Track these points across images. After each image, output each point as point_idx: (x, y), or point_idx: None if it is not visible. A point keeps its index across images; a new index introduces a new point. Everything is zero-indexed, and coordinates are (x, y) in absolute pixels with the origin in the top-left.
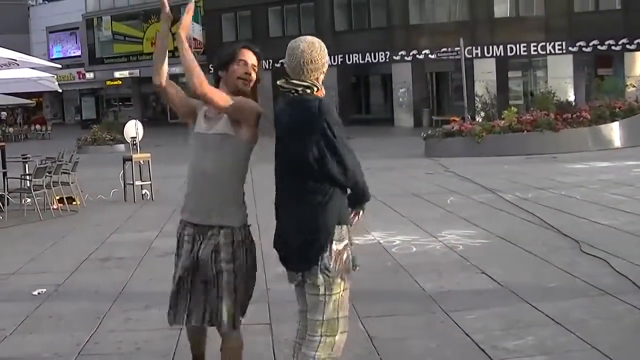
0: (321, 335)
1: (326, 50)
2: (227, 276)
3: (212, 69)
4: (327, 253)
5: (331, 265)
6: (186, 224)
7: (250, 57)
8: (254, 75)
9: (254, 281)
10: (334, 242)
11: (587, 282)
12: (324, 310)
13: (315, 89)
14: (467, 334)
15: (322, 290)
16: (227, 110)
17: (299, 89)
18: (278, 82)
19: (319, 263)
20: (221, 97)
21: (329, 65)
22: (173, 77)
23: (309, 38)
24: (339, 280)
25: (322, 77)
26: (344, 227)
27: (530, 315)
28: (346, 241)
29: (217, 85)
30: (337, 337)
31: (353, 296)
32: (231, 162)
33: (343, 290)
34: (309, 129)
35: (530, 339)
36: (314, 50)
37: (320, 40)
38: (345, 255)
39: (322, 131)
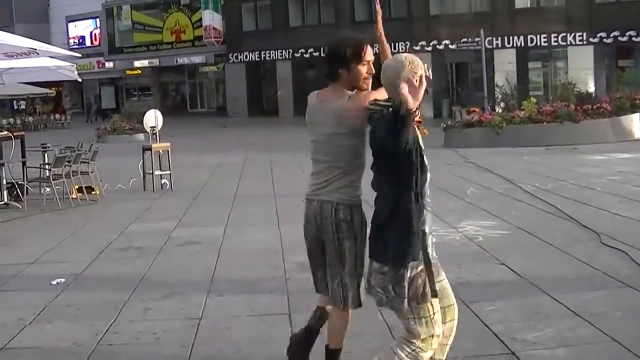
0: (417, 347)
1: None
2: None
3: (329, 56)
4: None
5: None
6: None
7: (371, 54)
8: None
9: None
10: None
11: (607, 274)
12: (417, 329)
13: None
14: (486, 325)
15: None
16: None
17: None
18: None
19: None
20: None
21: None
22: (193, 66)
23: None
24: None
25: None
26: None
27: (550, 307)
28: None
29: (334, 79)
30: (428, 353)
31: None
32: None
33: (433, 311)
34: None
35: (549, 330)
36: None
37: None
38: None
39: None
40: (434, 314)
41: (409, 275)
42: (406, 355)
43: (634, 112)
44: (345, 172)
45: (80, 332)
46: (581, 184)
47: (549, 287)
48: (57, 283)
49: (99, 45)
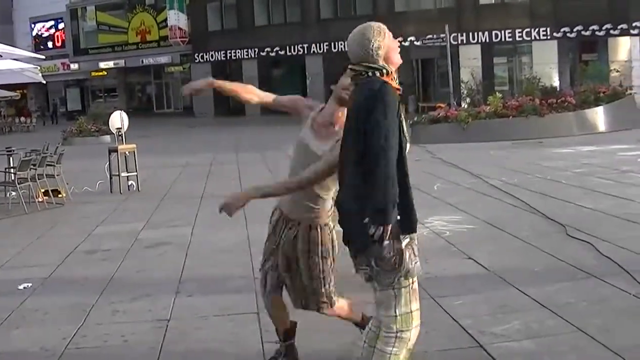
0: (397, 331)
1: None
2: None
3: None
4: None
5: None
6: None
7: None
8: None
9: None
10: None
11: (573, 266)
12: (395, 305)
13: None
14: (454, 320)
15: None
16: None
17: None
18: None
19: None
20: (325, 172)
21: (314, 54)
22: (159, 66)
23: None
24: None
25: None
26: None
27: (517, 300)
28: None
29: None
30: (412, 332)
31: (340, 281)
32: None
33: (412, 283)
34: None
35: (516, 323)
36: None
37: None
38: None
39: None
40: (412, 283)
41: (393, 247)
42: (393, 346)
43: (598, 105)
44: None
45: (48, 336)
46: (547, 177)
47: (516, 280)
48: (24, 288)
49: (63, 46)
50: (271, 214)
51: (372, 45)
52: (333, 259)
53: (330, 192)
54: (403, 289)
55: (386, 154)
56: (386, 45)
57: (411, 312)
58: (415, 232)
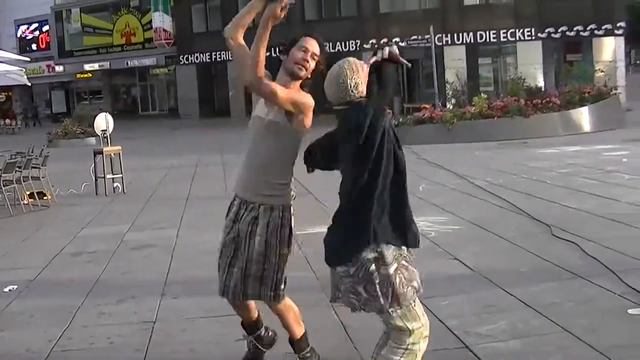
0: (408, 344)
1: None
2: (258, 246)
3: (280, 51)
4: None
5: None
6: (235, 196)
7: (313, 46)
8: (312, 64)
9: (284, 258)
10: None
11: (558, 266)
12: (405, 322)
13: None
14: (440, 320)
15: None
16: (281, 101)
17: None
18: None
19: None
20: (276, 89)
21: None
22: (144, 68)
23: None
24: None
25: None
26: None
27: (502, 300)
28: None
29: (277, 70)
30: (422, 344)
31: (326, 284)
32: (282, 149)
33: (414, 305)
34: None
35: (502, 323)
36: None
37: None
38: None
39: None
40: (413, 305)
41: (380, 272)
42: (401, 356)
43: (582, 106)
44: (265, 169)
45: (33, 338)
46: (532, 177)
47: (501, 281)
48: (10, 290)
49: (48, 48)
50: (227, 209)
51: (350, 86)
52: (288, 246)
53: (289, 177)
54: (404, 315)
55: None
56: (363, 78)
57: (422, 325)
58: (409, 247)
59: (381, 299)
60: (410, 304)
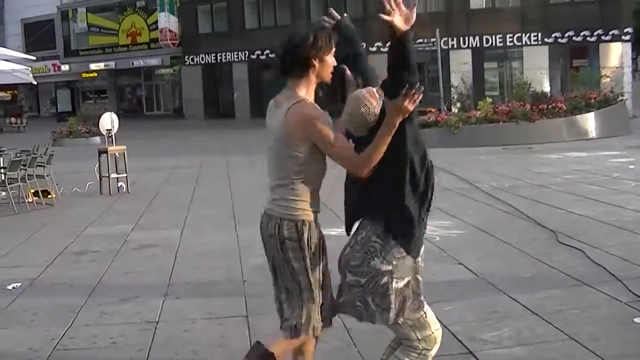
0: (422, 349)
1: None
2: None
3: (287, 52)
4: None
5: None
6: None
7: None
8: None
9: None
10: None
11: (563, 273)
12: (415, 332)
13: None
14: (444, 326)
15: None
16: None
17: None
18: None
19: None
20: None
21: None
22: (149, 68)
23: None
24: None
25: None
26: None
27: (507, 306)
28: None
29: (306, 73)
30: (433, 351)
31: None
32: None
33: (425, 314)
34: None
35: (507, 329)
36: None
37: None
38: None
39: None
40: (425, 315)
41: (392, 285)
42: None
43: (588, 112)
44: (290, 184)
45: (36, 337)
46: (537, 183)
47: (506, 286)
48: (13, 288)
49: (53, 47)
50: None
51: (369, 115)
52: (320, 268)
53: (309, 187)
54: (414, 324)
55: None
56: (380, 104)
57: (432, 333)
58: (414, 257)
59: (391, 312)
60: (421, 315)
